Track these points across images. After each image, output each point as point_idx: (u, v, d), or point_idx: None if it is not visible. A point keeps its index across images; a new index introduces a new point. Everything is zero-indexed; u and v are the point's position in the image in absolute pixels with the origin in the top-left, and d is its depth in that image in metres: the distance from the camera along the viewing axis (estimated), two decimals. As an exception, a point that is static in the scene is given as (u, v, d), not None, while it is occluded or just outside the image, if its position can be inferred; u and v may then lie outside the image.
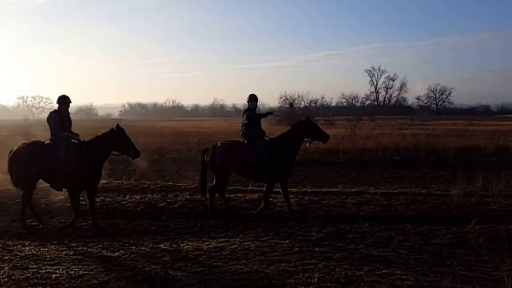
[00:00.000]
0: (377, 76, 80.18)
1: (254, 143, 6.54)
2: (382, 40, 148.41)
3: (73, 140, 5.96)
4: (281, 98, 38.42)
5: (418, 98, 77.75)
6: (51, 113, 6.09)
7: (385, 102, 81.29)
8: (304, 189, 8.43)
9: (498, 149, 13.83)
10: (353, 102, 76.40)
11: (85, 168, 5.74)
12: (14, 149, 5.97)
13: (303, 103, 40.34)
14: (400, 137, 18.10)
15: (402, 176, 10.85)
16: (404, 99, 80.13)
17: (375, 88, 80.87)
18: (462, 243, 5.10)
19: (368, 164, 12.57)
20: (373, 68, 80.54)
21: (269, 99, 49.17)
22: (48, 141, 5.93)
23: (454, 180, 8.36)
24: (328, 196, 7.61)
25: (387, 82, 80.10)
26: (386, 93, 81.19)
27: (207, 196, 6.75)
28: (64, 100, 6.10)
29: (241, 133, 6.77)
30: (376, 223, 5.98)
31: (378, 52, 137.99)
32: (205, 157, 6.80)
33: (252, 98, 6.80)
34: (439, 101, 76.18)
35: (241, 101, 51.80)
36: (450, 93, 74.59)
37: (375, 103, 79.68)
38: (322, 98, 49.85)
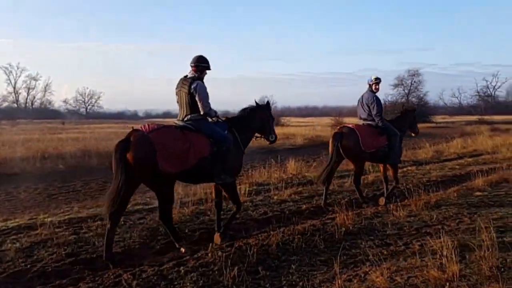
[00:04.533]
0: (16, 74, 70.35)
1: (389, 126, 6.84)
2: (24, 35, 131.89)
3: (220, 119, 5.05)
4: None
5: (65, 101, 74.64)
6: (196, 80, 4.71)
7: (27, 105, 72.62)
8: None
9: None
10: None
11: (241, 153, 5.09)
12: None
13: None
14: (58, 142, 15.49)
15: (75, 190, 8.64)
16: (50, 102, 74.58)
17: (14, 88, 70.72)
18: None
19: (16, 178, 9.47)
20: (10, 65, 69.96)
21: None
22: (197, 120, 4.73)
23: (138, 189, 7.11)
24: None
25: (28, 82, 71.79)
26: (28, 95, 72.74)
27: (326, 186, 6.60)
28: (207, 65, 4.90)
29: (375, 115, 6.74)
30: None
31: (17, 48, 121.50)
32: (339, 142, 6.42)
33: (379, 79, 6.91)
34: (88, 105, 76.25)
35: None
36: (99, 97, 76.12)
37: (15, 105, 69.75)
38: None
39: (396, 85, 50.34)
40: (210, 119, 4.91)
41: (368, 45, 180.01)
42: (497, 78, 59.25)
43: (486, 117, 41.99)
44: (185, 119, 4.80)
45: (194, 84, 4.70)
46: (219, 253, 4.36)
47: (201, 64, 4.85)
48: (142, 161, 4.12)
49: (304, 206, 6.44)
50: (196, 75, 4.83)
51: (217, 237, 4.82)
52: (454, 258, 3.68)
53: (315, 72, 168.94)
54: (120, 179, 4.03)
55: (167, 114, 58.12)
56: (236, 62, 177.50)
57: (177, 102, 4.93)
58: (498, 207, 6.02)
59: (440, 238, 4.71)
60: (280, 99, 52.73)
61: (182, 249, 4.50)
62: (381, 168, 7.39)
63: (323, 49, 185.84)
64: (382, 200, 6.67)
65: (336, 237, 4.89)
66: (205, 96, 4.73)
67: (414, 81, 50.10)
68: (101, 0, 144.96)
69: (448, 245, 4.01)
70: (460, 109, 57.80)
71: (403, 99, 47.87)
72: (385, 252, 4.37)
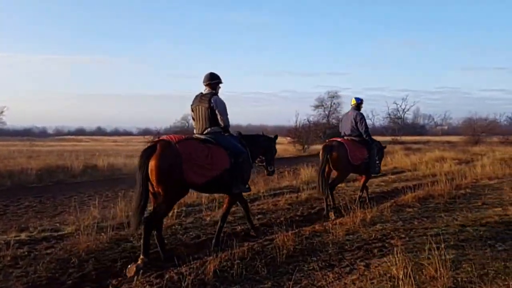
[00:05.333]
0: None
1: (370, 141, 7.61)
2: None
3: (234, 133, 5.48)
4: None
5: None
6: (214, 96, 5.04)
7: None
8: None
9: (85, 167, 12.83)
10: None
11: (250, 165, 5.46)
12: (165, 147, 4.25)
13: None
14: None
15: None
16: None
17: None
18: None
19: None
20: None
21: None
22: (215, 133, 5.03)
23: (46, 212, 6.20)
24: None
25: None
26: None
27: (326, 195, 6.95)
28: (219, 80, 5.23)
29: (356, 131, 7.48)
30: None
31: None
32: (330, 154, 6.91)
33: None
34: (-11, 120, 68.54)
35: None
36: (2, 112, 68.90)
37: None
38: None
39: (316, 106, 52.69)
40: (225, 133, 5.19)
41: (288, 67, 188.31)
42: (406, 102, 64.85)
43: (398, 138, 45.53)
44: (205, 132, 5.07)
45: (213, 98, 5.01)
46: (147, 287, 3.72)
47: (213, 81, 5.17)
48: (167, 170, 4.15)
49: (239, 228, 5.99)
50: (213, 91, 5.15)
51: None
52: (407, 280, 3.48)
53: (239, 92, 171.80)
54: (142, 187, 4.05)
55: (80, 131, 54.47)
56: (155, 79, 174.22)
57: (193, 117, 5.24)
58: (430, 223, 6.12)
59: (383, 257, 4.59)
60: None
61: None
62: (363, 179, 8.04)
63: (246, 69, 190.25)
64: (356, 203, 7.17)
65: (278, 260, 4.50)
66: (224, 110, 5.05)
67: (334, 103, 52.93)
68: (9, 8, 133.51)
69: (397, 264, 3.84)
70: (374, 130, 62.34)
71: (324, 120, 50.26)
72: (330, 276, 4.07)
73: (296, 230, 5.76)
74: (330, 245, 5.04)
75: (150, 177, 4.12)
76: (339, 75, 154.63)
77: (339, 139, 7.36)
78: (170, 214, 6.38)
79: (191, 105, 5.21)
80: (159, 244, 4.58)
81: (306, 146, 30.97)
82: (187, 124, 45.14)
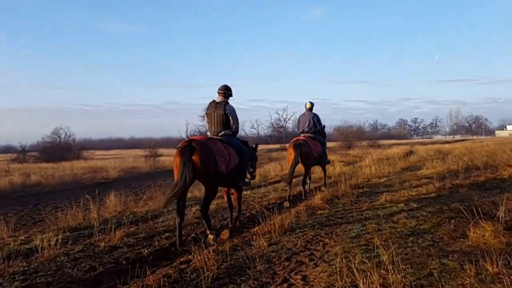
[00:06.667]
0: None
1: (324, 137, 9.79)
2: None
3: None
4: None
5: None
6: (228, 104, 6.15)
7: None
8: None
9: None
10: None
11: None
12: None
13: None
14: None
15: None
16: None
17: None
18: None
19: None
20: None
21: None
22: (227, 135, 6.07)
23: None
24: None
25: None
26: None
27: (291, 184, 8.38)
28: (231, 92, 6.33)
29: (314, 128, 9.25)
30: None
31: None
32: (299, 150, 8.30)
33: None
34: None
35: None
36: None
37: None
38: None
39: (204, 116, 52.30)
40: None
41: (172, 79, 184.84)
42: (286, 112, 68.55)
43: (284, 145, 47.54)
44: (219, 134, 6.03)
45: (227, 106, 6.06)
46: None
47: (227, 92, 6.23)
48: (208, 162, 5.15)
49: (146, 251, 5.05)
50: (226, 100, 6.18)
51: (225, 233, 5.60)
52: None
53: (118, 104, 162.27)
54: (188, 176, 4.87)
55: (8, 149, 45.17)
56: (17, 90, 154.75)
57: (208, 121, 6.24)
58: (346, 223, 6.01)
59: (317, 266, 4.21)
60: (79, 131, 47.39)
61: (210, 237, 5.33)
62: (321, 169, 10.31)
63: (126, 81, 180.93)
64: (324, 186, 9.37)
65: (203, 287, 3.77)
66: (236, 116, 6.19)
67: (221, 112, 53.03)
68: None
69: (337, 274, 3.47)
70: (259, 139, 64.59)
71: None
72: (267, 296, 3.52)
73: (214, 247, 5.08)
74: (257, 260, 4.49)
75: (196, 169, 5.03)
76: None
77: (302, 138, 8.86)
78: (53, 242, 5.14)
79: (206, 111, 6.26)
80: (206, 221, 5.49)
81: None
82: (58, 138, 40.47)
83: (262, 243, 5.02)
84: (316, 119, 9.28)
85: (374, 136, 61.36)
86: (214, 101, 6.17)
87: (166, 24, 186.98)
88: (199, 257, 4.37)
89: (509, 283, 3.05)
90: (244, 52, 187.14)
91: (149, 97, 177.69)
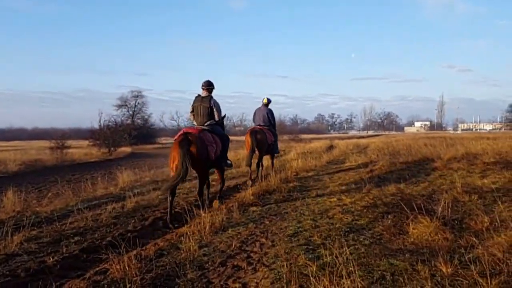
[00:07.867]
0: None
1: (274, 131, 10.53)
2: None
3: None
4: None
5: None
6: (213, 98, 7.07)
7: None
8: None
9: None
10: None
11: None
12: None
13: None
14: None
15: None
16: None
17: None
18: None
19: None
20: None
21: None
22: (212, 125, 7.03)
23: None
24: None
25: None
26: None
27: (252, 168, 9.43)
28: (213, 86, 7.24)
29: (268, 122, 10.29)
30: None
31: None
32: (255, 137, 9.35)
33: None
34: None
35: None
36: None
37: None
38: None
39: (120, 106, 49.54)
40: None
41: (81, 64, 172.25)
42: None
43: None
44: (205, 124, 7.00)
45: (212, 100, 7.04)
46: None
47: (210, 87, 7.17)
48: (202, 152, 6.14)
49: (51, 259, 4.21)
50: (210, 94, 7.14)
51: (216, 203, 6.70)
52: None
53: (21, 90, 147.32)
54: (187, 164, 5.63)
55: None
56: None
57: (194, 114, 7.18)
58: (281, 221, 5.68)
59: (257, 272, 3.78)
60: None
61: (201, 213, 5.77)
62: (269, 158, 10.96)
63: (34, 66, 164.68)
64: (271, 171, 10.26)
65: (125, 304, 3.13)
66: (219, 108, 7.12)
67: (138, 103, 50.74)
68: None
69: (281, 280, 3.07)
70: (179, 131, 62.25)
71: (129, 120, 47.57)
72: (203, 311, 3.00)
73: (135, 252, 4.40)
74: (188, 266, 3.94)
75: (193, 158, 5.81)
76: (140, 75, 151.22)
77: (258, 127, 9.88)
78: None
79: (193, 104, 7.14)
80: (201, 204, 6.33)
81: (112, 148, 28.21)
82: None
83: (192, 246, 4.47)
84: (270, 114, 10.37)
85: (295, 130, 63.07)
86: (199, 95, 7.12)
87: (79, 5, 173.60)
88: (117, 266, 3.71)
89: (468, 285, 2.89)
90: (162, 39, 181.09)
91: (60, 84, 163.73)
